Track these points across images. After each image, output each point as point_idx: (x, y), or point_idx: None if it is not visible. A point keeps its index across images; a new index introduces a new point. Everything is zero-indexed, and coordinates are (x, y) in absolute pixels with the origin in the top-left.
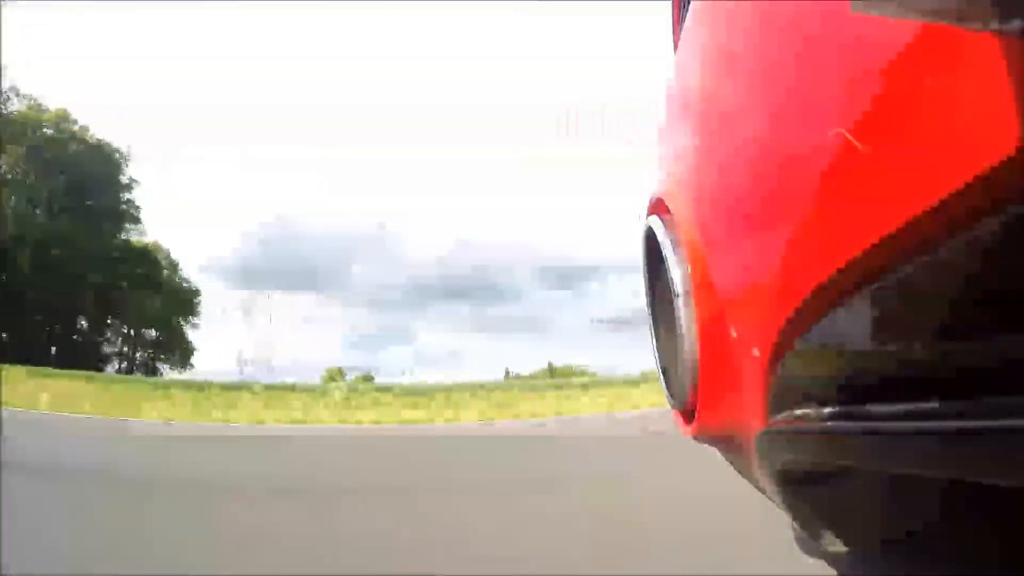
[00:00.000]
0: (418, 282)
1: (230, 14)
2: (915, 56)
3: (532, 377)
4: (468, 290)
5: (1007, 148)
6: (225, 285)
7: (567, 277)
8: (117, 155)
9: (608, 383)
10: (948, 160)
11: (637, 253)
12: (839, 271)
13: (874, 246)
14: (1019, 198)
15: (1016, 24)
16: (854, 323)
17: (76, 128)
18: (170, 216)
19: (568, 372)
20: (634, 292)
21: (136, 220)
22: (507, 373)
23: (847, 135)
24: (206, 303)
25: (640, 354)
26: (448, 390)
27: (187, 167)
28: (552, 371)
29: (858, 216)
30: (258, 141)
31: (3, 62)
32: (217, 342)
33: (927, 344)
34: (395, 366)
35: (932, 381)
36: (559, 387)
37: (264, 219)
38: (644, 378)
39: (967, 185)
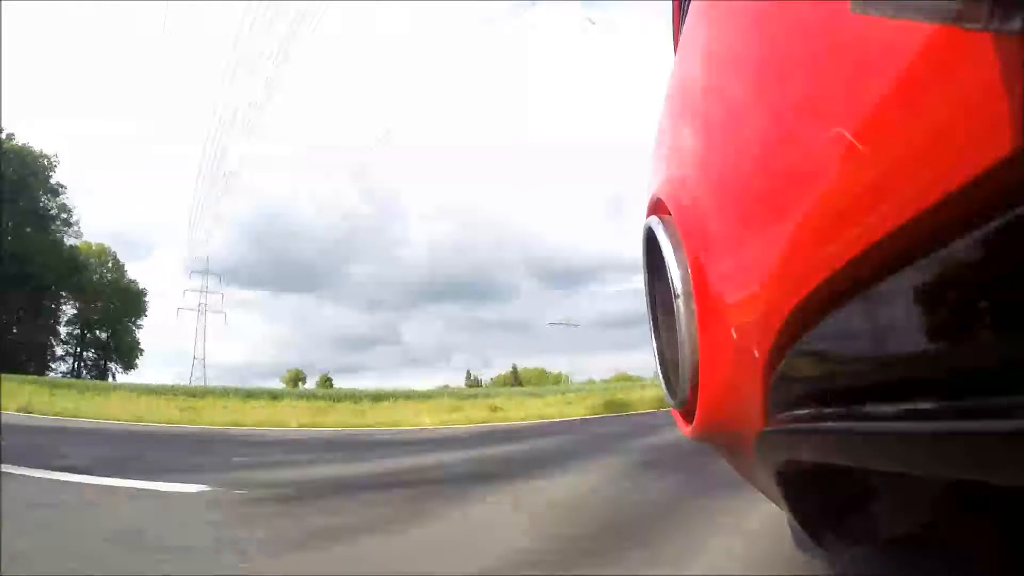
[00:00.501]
0: (408, 283)
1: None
2: (914, 56)
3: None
4: (458, 291)
5: (1007, 148)
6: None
7: (561, 278)
8: (44, 160)
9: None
10: (948, 160)
11: (637, 254)
12: (839, 271)
13: (874, 246)
14: (1019, 198)
15: (1016, 24)
16: (854, 323)
17: (2, 136)
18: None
19: (539, 377)
20: (630, 292)
21: (68, 223)
22: (468, 375)
23: (847, 135)
24: (170, 302)
25: (637, 356)
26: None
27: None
28: (516, 375)
29: (858, 216)
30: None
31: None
32: (167, 344)
33: (927, 344)
34: (387, 366)
35: (932, 381)
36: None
37: (249, 217)
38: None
39: (967, 185)
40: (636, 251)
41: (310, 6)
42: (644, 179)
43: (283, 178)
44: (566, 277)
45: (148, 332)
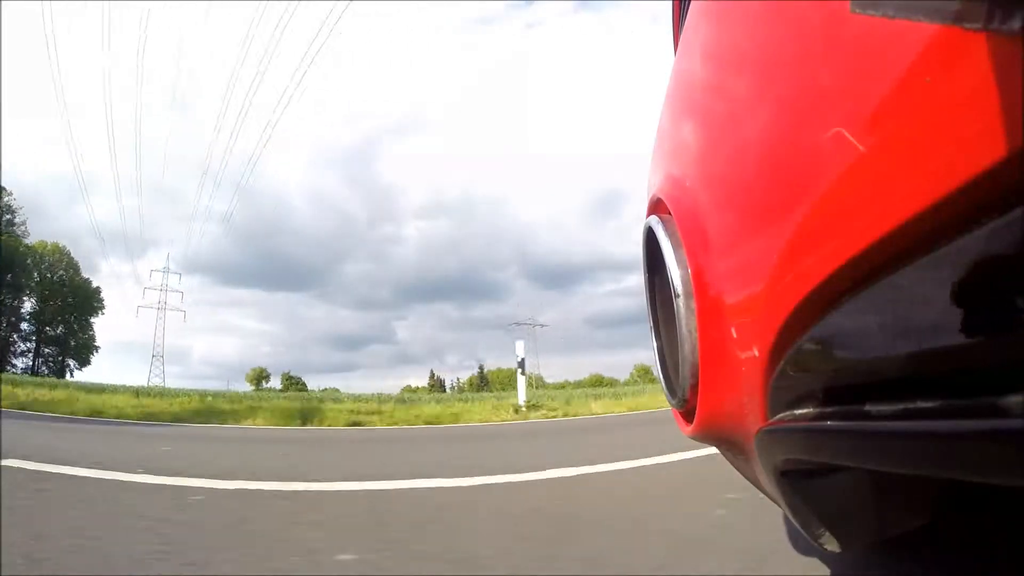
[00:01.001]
0: (402, 281)
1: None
2: (914, 56)
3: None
4: (451, 290)
5: (1007, 148)
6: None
7: (554, 278)
8: None
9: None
10: (948, 160)
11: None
12: (839, 271)
13: (873, 246)
14: (1019, 198)
15: (1016, 24)
16: (854, 323)
17: None
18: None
19: (511, 378)
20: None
21: (12, 224)
22: (431, 375)
23: (846, 135)
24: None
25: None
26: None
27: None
28: (483, 376)
29: (858, 216)
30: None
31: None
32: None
33: (926, 344)
34: (380, 364)
35: (931, 381)
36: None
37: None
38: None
39: (967, 185)
40: (626, 250)
41: (308, 7)
42: (643, 179)
43: (281, 178)
44: (559, 277)
45: (141, 331)
